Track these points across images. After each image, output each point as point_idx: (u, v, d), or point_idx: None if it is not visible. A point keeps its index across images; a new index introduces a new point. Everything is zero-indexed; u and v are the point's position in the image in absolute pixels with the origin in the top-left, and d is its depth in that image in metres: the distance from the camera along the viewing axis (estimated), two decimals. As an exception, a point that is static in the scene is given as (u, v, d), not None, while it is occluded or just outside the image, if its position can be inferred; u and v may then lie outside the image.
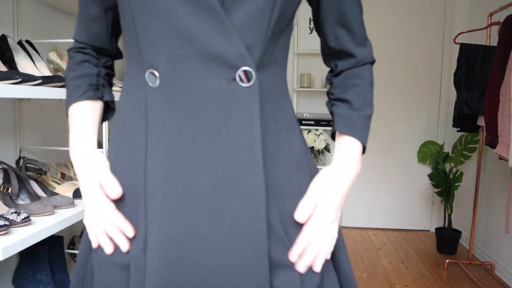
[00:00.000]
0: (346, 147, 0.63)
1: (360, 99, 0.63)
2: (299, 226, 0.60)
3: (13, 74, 0.99)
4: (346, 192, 0.62)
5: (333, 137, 0.66)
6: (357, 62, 0.65)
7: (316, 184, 0.61)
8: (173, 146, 0.54)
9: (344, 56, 0.65)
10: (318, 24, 0.67)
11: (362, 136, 0.62)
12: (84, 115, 0.64)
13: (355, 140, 0.62)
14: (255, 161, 0.54)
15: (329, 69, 0.69)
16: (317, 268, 0.60)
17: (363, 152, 0.64)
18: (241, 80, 0.53)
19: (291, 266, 0.58)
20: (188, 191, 0.54)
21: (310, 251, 0.59)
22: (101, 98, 0.67)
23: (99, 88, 0.67)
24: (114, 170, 0.60)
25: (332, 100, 0.67)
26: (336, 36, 0.64)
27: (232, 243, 0.54)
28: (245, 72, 0.53)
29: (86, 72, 0.66)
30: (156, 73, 0.54)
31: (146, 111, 0.56)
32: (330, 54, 0.68)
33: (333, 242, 0.62)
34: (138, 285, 0.56)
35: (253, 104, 0.54)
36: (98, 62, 0.68)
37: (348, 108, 0.63)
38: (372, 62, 0.66)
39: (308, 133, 3.33)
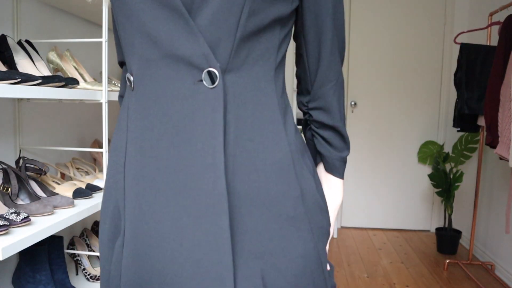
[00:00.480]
0: (335, 186, 0.71)
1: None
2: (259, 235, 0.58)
3: (13, 74, 0.99)
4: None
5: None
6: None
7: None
8: (142, 146, 0.56)
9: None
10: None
11: (343, 174, 0.71)
12: None
13: (339, 179, 0.71)
14: (216, 164, 0.53)
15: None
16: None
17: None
18: (207, 82, 0.53)
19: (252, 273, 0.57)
20: (155, 190, 0.55)
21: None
22: None
23: None
24: (108, 167, 0.65)
25: (313, 130, 0.71)
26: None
27: (192, 248, 0.53)
28: (210, 73, 0.53)
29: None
30: (131, 77, 0.58)
31: (128, 113, 0.59)
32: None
33: None
34: (116, 276, 0.59)
35: (217, 106, 0.53)
36: None
37: (332, 150, 0.69)
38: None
39: (308, 133, 3.33)
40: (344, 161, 0.70)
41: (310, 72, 0.66)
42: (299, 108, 0.72)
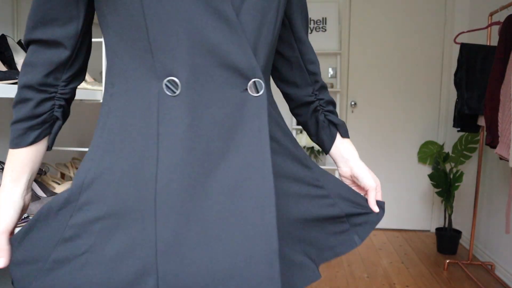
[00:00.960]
0: (351, 146, 0.80)
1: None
2: (304, 223, 0.68)
3: (13, 74, 0.99)
4: None
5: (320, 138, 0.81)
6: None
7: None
8: (189, 153, 0.56)
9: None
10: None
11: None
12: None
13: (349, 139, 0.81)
14: (266, 167, 0.58)
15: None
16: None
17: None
18: (251, 91, 0.58)
19: (300, 262, 0.66)
20: (204, 196, 0.56)
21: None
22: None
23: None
24: (110, 179, 0.58)
25: (324, 109, 0.80)
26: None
27: (244, 245, 0.56)
28: (255, 83, 0.58)
29: None
30: (178, 82, 0.55)
31: (158, 119, 0.56)
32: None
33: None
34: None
35: (262, 113, 0.59)
36: None
37: (339, 120, 0.79)
38: None
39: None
40: None
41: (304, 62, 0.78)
42: (306, 104, 0.80)
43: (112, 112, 0.60)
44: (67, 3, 0.59)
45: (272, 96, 0.68)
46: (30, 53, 0.60)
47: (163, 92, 0.56)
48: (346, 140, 0.79)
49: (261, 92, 0.58)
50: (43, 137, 0.63)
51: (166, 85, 0.55)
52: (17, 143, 0.60)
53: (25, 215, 0.99)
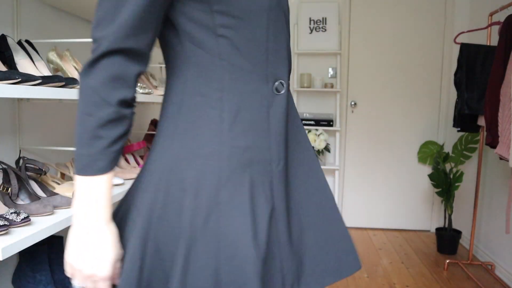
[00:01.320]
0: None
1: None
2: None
3: (13, 74, 0.99)
4: None
5: None
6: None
7: None
8: (286, 131, 0.74)
9: None
10: None
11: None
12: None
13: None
14: (308, 142, 0.83)
15: None
16: None
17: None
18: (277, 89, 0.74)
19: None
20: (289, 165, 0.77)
21: None
22: None
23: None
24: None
25: None
26: None
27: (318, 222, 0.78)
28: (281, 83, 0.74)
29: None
30: (284, 83, 0.72)
31: (268, 112, 0.70)
32: None
33: None
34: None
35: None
36: None
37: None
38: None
39: (308, 133, 3.33)
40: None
41: None
42: None
43: (226, 106, 0.66)
44: (159, 15, 0.61)
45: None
46: (117, 65, 0.58)
47: (272, 92, 0.70)
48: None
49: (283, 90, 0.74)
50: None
51: (278, 86, 0.71)
52: (112, 167, 0.61)
53: (25, 215, 0.99)
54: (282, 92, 0.71)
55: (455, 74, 2.53)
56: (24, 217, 0.99)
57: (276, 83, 0.70)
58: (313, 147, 0.98)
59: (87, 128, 0.58)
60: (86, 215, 0.61)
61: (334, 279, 0.77)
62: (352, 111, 3.55)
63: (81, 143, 0.59)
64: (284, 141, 0.72)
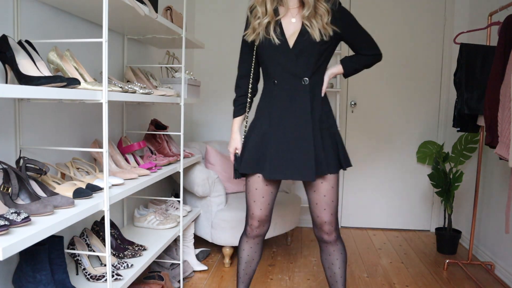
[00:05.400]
0: (335, 67, 1.72)
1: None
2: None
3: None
4: None
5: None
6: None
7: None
8: (281, 112, 1.58)
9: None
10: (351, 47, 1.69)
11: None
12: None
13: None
14: (308, 113, 1.56)
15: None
16: None
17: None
18: (304, 81, 1.56)
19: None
20: (283, 134, 1.57)
21: None
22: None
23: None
24: (254, 126, 1.67)
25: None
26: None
27: (293, 149, 1.58)
28: (303, 79, 1.56)
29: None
30: (276, 81, 1.59)
31: (271, 96, 1.61)
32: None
33: None
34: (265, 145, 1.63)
35: (307, 91, 1.57)
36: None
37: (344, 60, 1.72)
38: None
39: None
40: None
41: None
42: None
43: (261, 95, 1.68)
44: (250, 62, 1.70)
45: (319, 87, 1.62)
46: (237, 80, 1.75)
47: (274, 83, 1.59)
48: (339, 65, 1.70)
49: (306, 83, 1.56)
50: (244, 112, 1.75)
51: (274, 81, 1.59)
52: (235, 116, 1.77)
53: (26, 215, 0.99)
54: (276, 83, 1.60)
55: (455, 74, 2.53)
56: (25, 217, 0.99)
57: (274, 80, 1.60)
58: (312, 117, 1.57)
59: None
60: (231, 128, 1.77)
61: (287, 178, 1.58)
62: (352, 111, 3.56)
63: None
64: (284, 109, 1.59)
